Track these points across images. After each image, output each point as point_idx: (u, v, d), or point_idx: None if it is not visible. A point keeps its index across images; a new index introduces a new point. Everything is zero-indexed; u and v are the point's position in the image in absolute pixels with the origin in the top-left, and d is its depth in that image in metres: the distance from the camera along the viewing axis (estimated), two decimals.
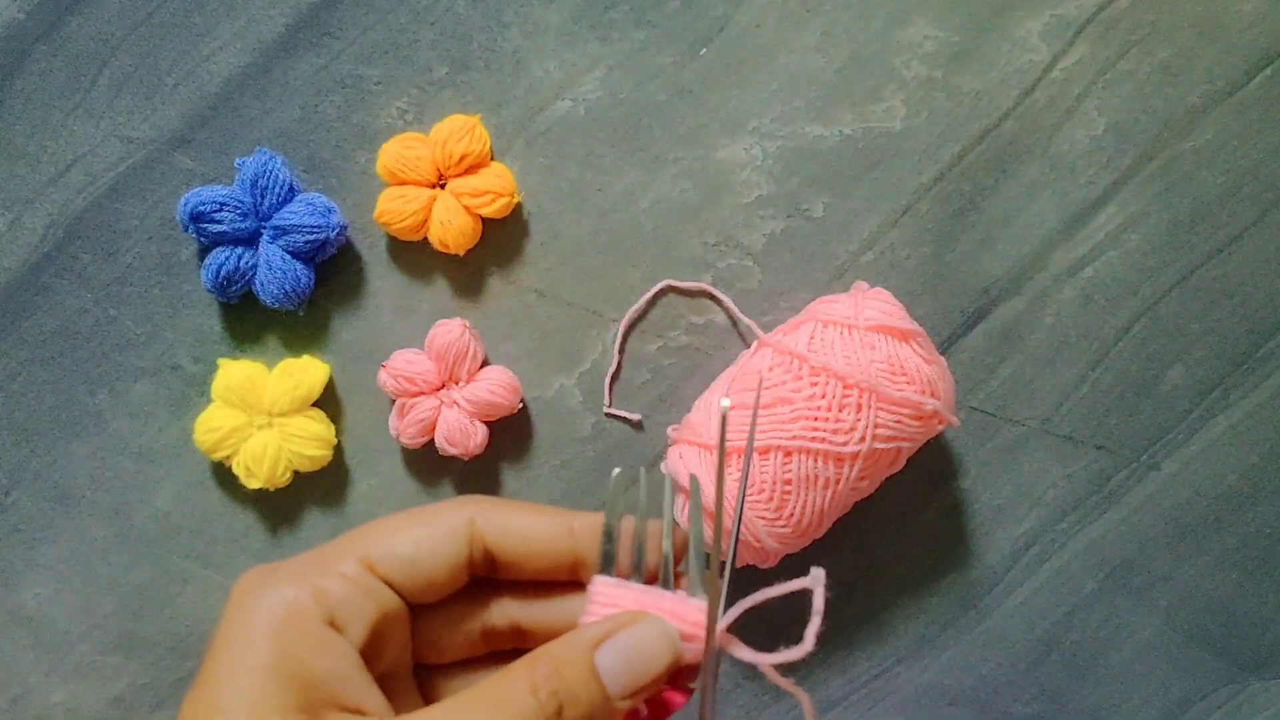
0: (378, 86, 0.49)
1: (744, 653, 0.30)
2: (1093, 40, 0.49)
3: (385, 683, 0.29)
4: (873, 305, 0.45)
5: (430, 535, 0.29)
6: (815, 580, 0.30)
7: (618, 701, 0.27)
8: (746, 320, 0.50)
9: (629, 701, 0.27)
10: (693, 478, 0.34)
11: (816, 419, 0.43)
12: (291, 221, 0.47)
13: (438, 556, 0.29)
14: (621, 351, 0.51)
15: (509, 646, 0.32)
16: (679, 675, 0.30)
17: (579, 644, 0.27)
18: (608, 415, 0.51)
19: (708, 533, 0.45)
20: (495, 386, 0.49)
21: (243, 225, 0.48)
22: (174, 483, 0.51)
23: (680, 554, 0.31)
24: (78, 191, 0.49)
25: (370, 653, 0.28)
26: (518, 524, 0.30)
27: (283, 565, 0.28)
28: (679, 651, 0.28)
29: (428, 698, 0.31)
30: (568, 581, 0.32)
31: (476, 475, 0.51)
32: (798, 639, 0.32)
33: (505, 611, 0.32)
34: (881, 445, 0.44)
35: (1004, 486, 0.52)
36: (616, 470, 0.32)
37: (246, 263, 0.48)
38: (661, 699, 0.30)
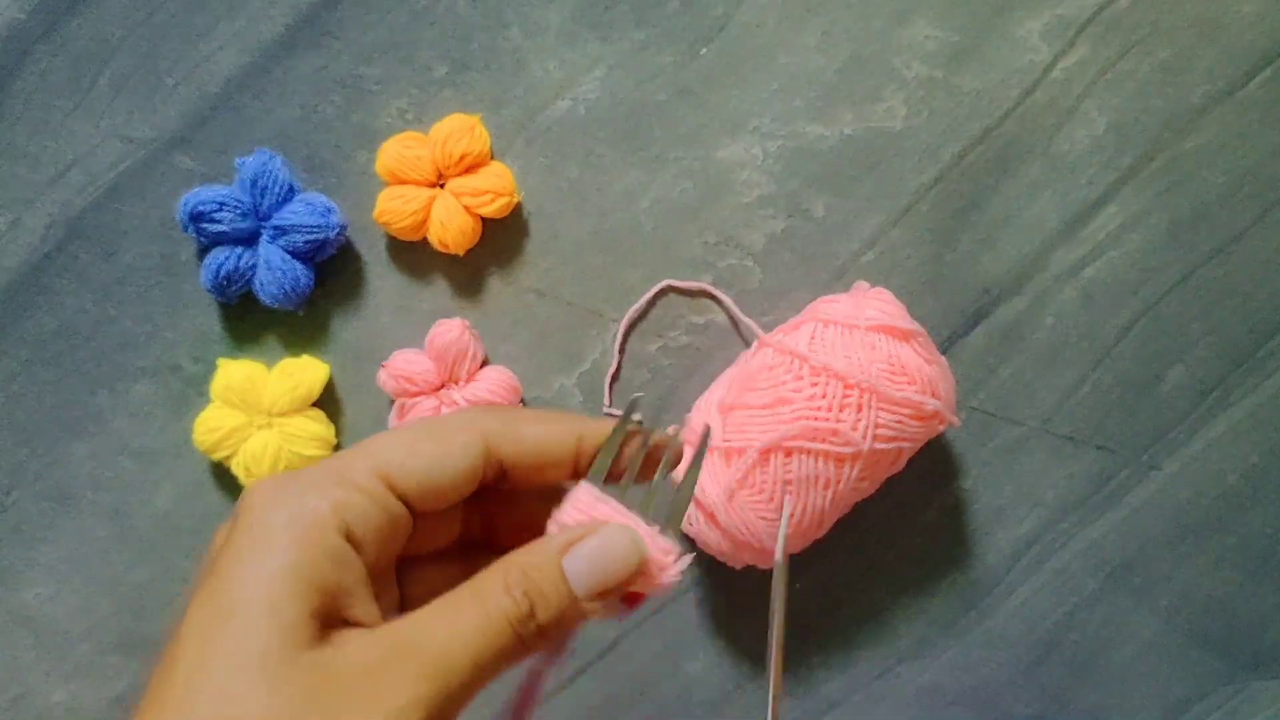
0: (377, 86, 0.49)
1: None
2: (1093, 40, 0.49)
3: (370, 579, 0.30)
4: (873, 305, 0.45)
5: (447, 453, 0.30)
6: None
7: (585, 603, 0.28)
8: (747, 320, 0.50)
9: (596, 603, 0.29)
10: (707, 427, 0.34)
11: (817, 419, 0.43)
12: (291, 221, 0.47)
13: (454, 475, 0.29)
14: (621, 351, 0.51)
15: (479, 538, 0.33)
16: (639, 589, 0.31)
17: (547, 550, 0.28)
18: (608, 415, 0.51)
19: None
20: (495, 386, 0.49)
21: (242, 225, 0.48)
22: (174, 483, 0.51)
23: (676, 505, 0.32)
24: (78, 191, 0.49)
25: (376, 565, 0.29)
26: (532, 437, 0.31)
27: (299, 474, 0.28)
28: (644, 557, 0.29)
29: (399, 584, 0.32)
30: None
31: None
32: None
33: (484, 508, 0.33)
34: (882, 445, 0.44)
35: (1004, 487, 0.52)
36: (638, 395, 0.34)
37: (246, 263, 0.48)
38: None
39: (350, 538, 0.27)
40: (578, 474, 0.32)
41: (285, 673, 0.25)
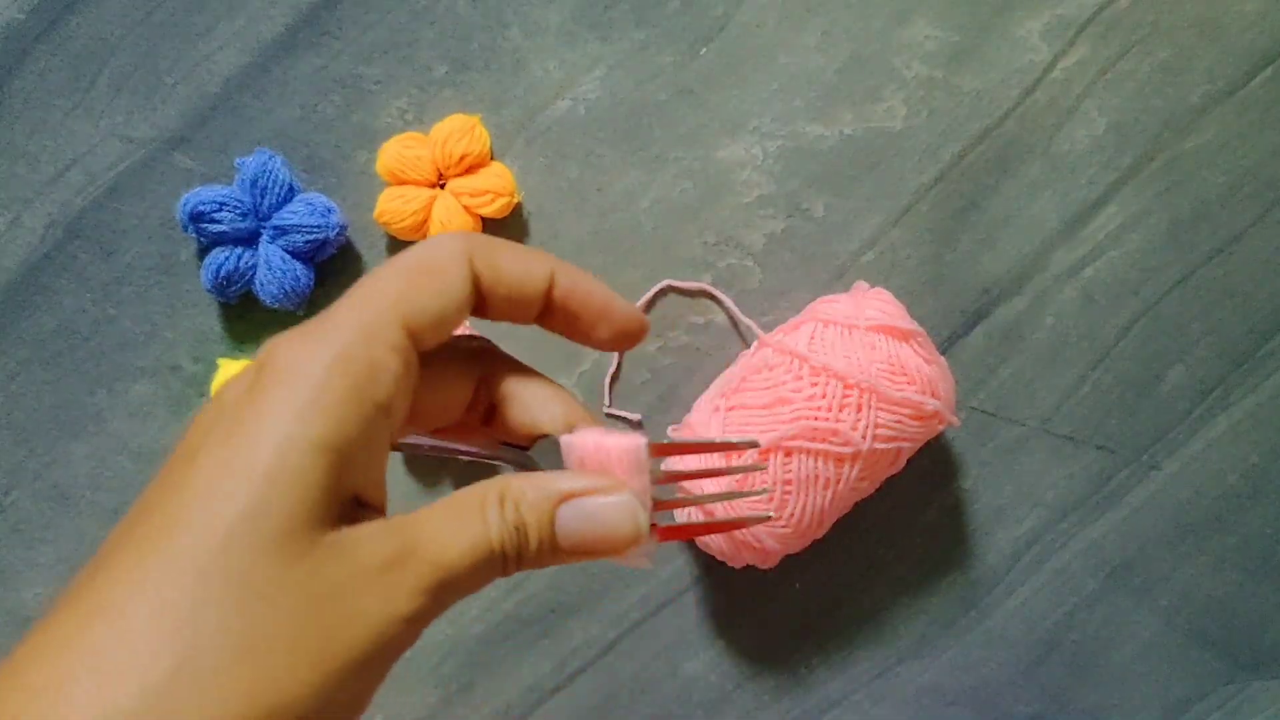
0: (377, 86, 0.49)
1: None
2: (1093, 40, 0.49)
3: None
4: (873, 305, 0.45)
5: (450, 288, 0.27)
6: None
7: (566, 556, 0.27)
8: (746, 320, 0.50)
9: (576, 558, 0.28)
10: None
11: (817, 419, 0.43)
12: (291, 221, 0.47)
13: (457, 311, 0.28)
14: (621, 351, 0.51)
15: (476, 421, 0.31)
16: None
17: (547, 493, 0.27)
18: (608, 415, 0.51)
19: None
20: None
21: (242, 225, 0.48)
22: None
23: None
24: (77, 191, 0.49)
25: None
26: (509, 272, 0.29)
27: (329, 328, 0.25)
28: (640, 534, 0.28)
29: None
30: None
31: (477, 475, 0.51)
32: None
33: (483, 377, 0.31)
34: (882, 445, 0.44)
35: (1004, 486, 0.52)
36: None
37: (246, 263, 0.48)
38: None
39: (382, 405, 0.25)
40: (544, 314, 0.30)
41: (301, 554, 0.23)
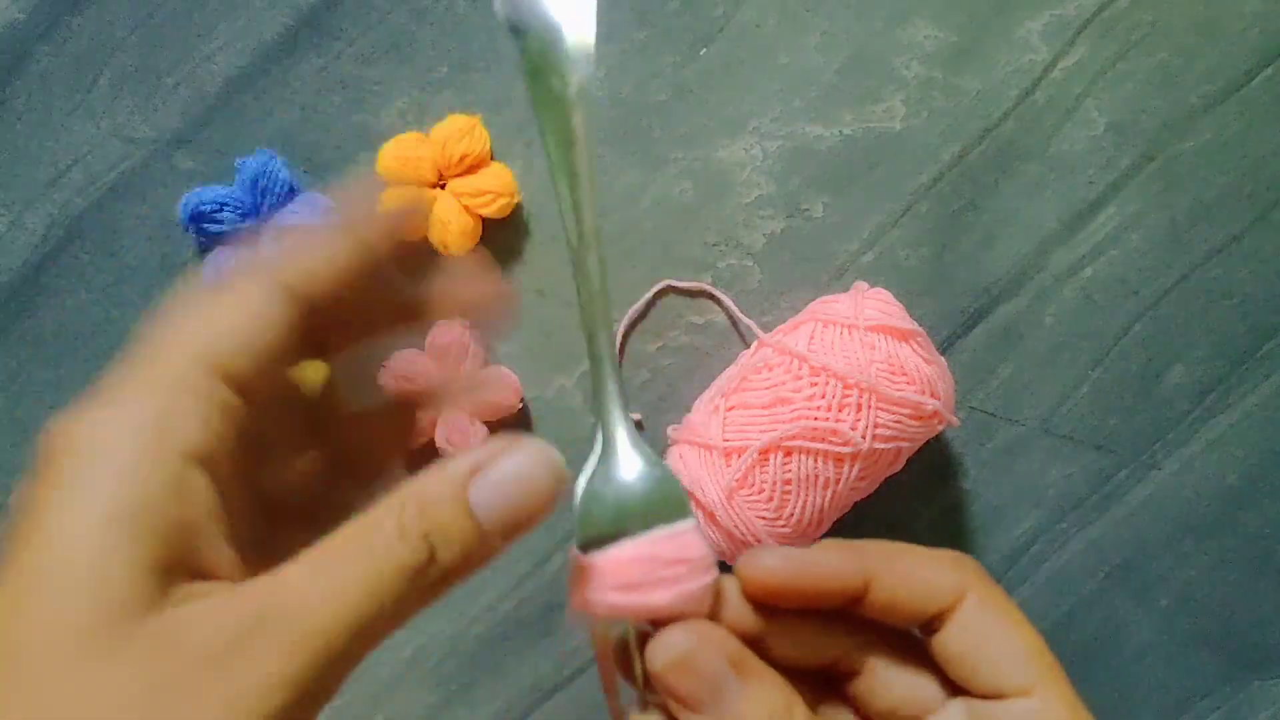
0: (378, 86, 0.49)
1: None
2: (1093, 40, 0.49)
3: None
4: (873, 305, 0.45)
5: (254, 310, 0.23)
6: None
7: (498, 540, 0.23)
8: (746, 320, 0.50)
9: (511, 539, 0.23)
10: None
11: (816, 419, 0.43)
12: (292, 221, 0.47)
13: (273, 333, 0.23)
14: (621, 351, 0.51)
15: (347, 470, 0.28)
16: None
17: (449, 478, 0.23)
18: None
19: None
20: (495, 387, 0.49)
21: (243, 225, 0.48)
22: None
23: None
24: (78, 191, 0.49)
25: (227, 490, 0.22)
26: (329, 253, 0.25)
27: (105, 391, 0.22)
28: (562, 476, 0.24)
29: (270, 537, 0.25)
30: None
31: None
32: None
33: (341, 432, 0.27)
34: (881, 445, 0.44)
35: (1004, 486, 0.52)
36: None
37: None
38: None
39: (191, 455, 0.21)
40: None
41: (115, 652, 0.19)
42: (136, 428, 0.21)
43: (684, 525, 0.28)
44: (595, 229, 0.29)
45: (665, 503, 0.28)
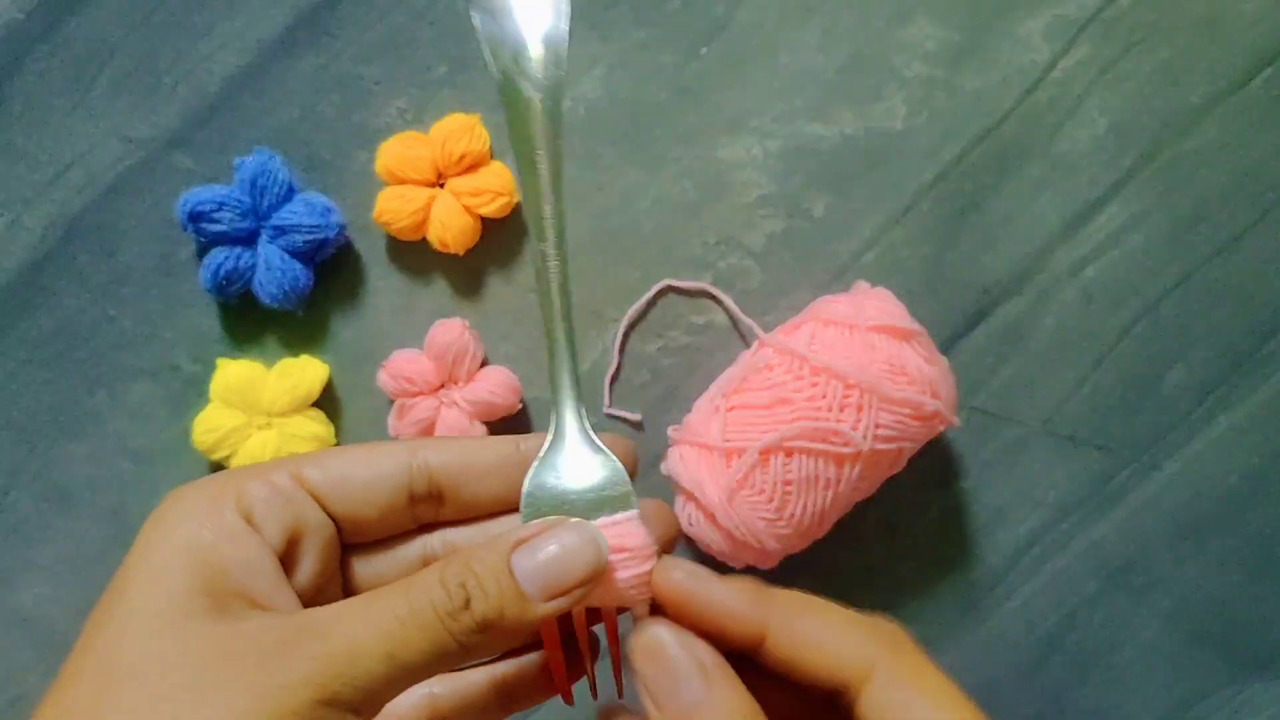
0: (377, 86, 0.49)
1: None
2: (1094, 40, 0.49)
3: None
4: (874, 305, 0.45)
5: (367, 457, 0.29)
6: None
7: (539, 604, 0.26)
8: (747, 320, 0.50)
9: (554, 604, 0.26)
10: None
11: (817, 419, 0.43)
12: (290, 221, 0.47)
13: (372, 475, 0.29)
14: (621, 351, 0.50)
15: None
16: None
17: (497, 545, 0.27)
18: (608, 416, 0.51)
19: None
20: (495, 387, 0.49)
21: (242, 225, 0.48)
22: (173, 483, 0.51)
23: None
24: (77, 191, 0.49)
25: (287, 563, 0.28)
26: (464, 446, 0.30)
27: (206, 479, 0.28)
28: (602, 554, 0.27)
29: None
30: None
31: None
32: None
33: (447, 541, 0.31)
34: (882, 446, 0.44)
35: (1005, 487, 0.51)
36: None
37: (245, 262, 0.48)
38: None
39: (248, 518, 0.27)
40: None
41: (170, 636, 0.24)
42: (209, 495, 0.27)
43: (624, 515, 0.29)
44: (558, 225, 0.31)
45: (609, 494, 0.30)
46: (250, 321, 0.50)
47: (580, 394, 0.32)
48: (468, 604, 0.25)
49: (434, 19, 0.49)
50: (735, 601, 0.28)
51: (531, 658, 0.33)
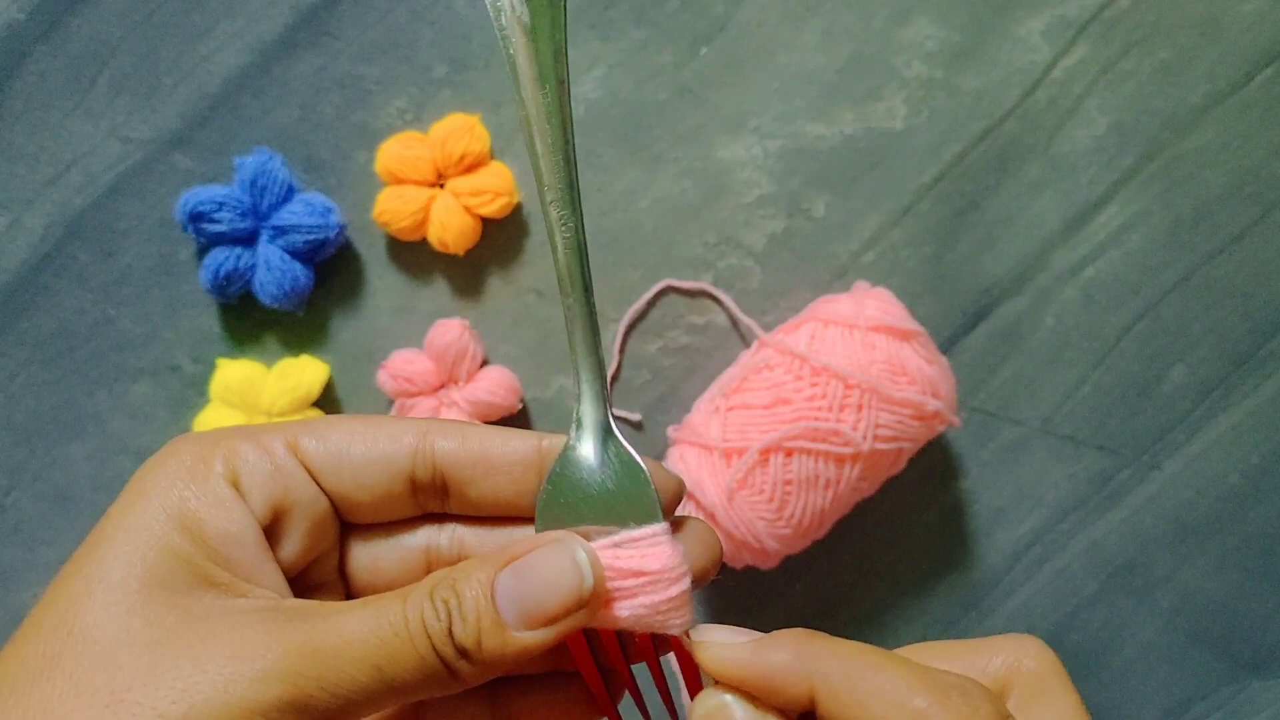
0: (377, 86, 0.49)
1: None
2: (1094, 40, 0.49)
3: (308, 593, 0.27)
4: (874, 305, 0.45)
5: (371, 433, 0.26)
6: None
7: (517, 632, 0.23)
8: (747, 320, 0.50)
9: (537, 634, 0.23)
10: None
11: (817, 419, 0.43)
12: (290, 221, 0.47)
13: (371, 455, 0.26)
14: (622, 351, 0.50)
15: None
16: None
17: (488, 562, 0.24)
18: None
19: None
20: (494, 387, 0.49)
21: (242, 225, 0.48)
22: None
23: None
24: (77, 191, 0.49)
25: (273, 536, 0.26)
26: (480, 435, 0.27)
27: (207, 432, 0.26)
28: (585, 582, 0.24)
29: None
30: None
31: None
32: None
33: (456, 538, 0.28)
34: (883, 446, 0.44)
35: (1005, 487, 0.51)
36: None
37: (245, 263, 0.48)
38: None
39: (235, 483, 0.25)
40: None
41: (134, 606, 0.22)
42: (197, 453, 0.25)
43: (648, 530, 0.25)
44: (570, 193, 0.29)
45: (632, 500, 0.26)
46: (250, 321, 0.50)
47: (605, 377, 0.28)
48: (450, 629, 0.23)
49: (434, 19, 0.49)
50: (781, 664, 0.24)
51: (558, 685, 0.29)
